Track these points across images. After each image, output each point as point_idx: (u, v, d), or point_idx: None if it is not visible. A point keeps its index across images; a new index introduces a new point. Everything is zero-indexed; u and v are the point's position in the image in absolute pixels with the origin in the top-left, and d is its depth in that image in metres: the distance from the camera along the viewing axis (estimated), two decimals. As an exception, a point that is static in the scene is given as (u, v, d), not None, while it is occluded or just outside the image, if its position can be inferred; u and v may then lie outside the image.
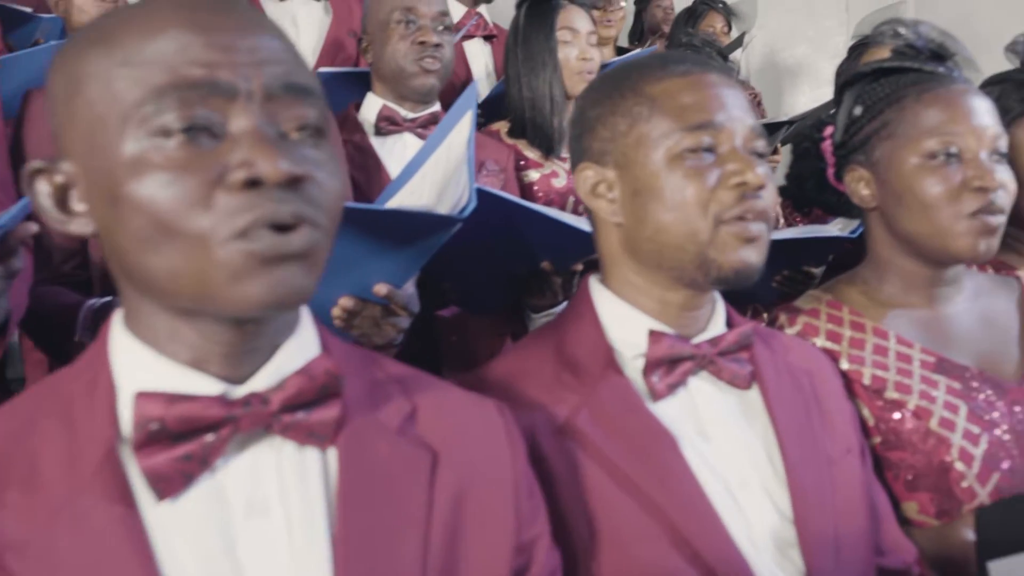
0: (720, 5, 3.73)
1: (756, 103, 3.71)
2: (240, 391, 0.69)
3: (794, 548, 0.93)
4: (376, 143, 1.87)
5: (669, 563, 0.89)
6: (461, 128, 1.30)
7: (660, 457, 0.92)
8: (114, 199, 0.63)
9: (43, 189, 0.68)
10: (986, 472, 1.09)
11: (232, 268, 0.63)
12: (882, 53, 2.62)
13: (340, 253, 1.13)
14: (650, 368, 0.96)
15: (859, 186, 1.23)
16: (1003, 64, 1.55)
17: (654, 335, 0.97)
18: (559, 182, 2.07)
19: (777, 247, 1.71)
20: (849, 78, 1.29)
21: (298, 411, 0.69)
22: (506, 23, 2.47)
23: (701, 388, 0.99)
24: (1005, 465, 1.10)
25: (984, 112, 1.16)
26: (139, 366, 0.69)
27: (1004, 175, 1.15)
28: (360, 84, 2.01)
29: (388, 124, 1.86)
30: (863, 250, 1.30)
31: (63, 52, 0.69)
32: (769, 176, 0.96)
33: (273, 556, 0.68)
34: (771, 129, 2.28)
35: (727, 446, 0.96)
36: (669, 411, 0.96)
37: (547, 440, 0.93)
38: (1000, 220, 1.15)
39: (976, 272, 1.32)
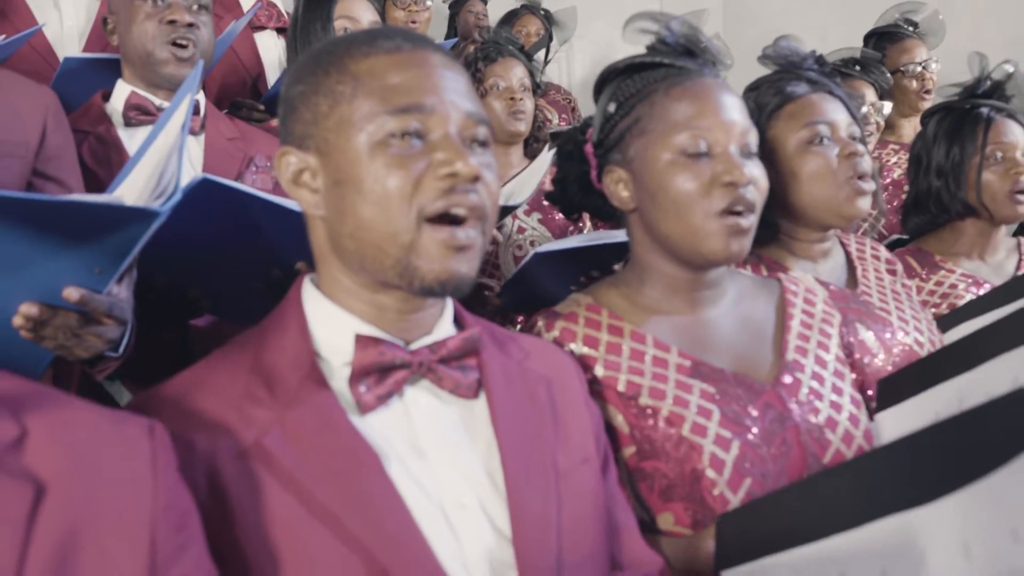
0: (542, 12, 3.73)
1: (571, 108, 3.71)
2: None
3: (512, 570, 0.83)
4: (125, 135, 1.67)
5: None
6: (179, 113, 1.15)
7: (360, 480, 0.80)
8: None
9: None
10: (737, 478, 1.03)
11: None
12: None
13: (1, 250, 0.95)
14: (356, 377, 0.84)
15: (618, 188, 1.17)
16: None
17: (361, 340, 0.85)
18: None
19: (571, 255, 1.65)
20: (604, 74, 1.23)
21: None
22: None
23: (418, 399, 0.88)
24: (757, 470, 1.04)
25: (732, 107, 1.13)
26: None
27: (754, 170, 1.11)
28: (118, 71, 1.81)
29: (138, 114, 1.67)
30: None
31: None
32: (488, 168, 0.86)
33: None
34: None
35: (443, 463, 0.86)
36: (379, 426, 0.85)
37: (228, 466, 0.79)
38: (751, 220, 1.11)
39: (741, 274, 1.28)
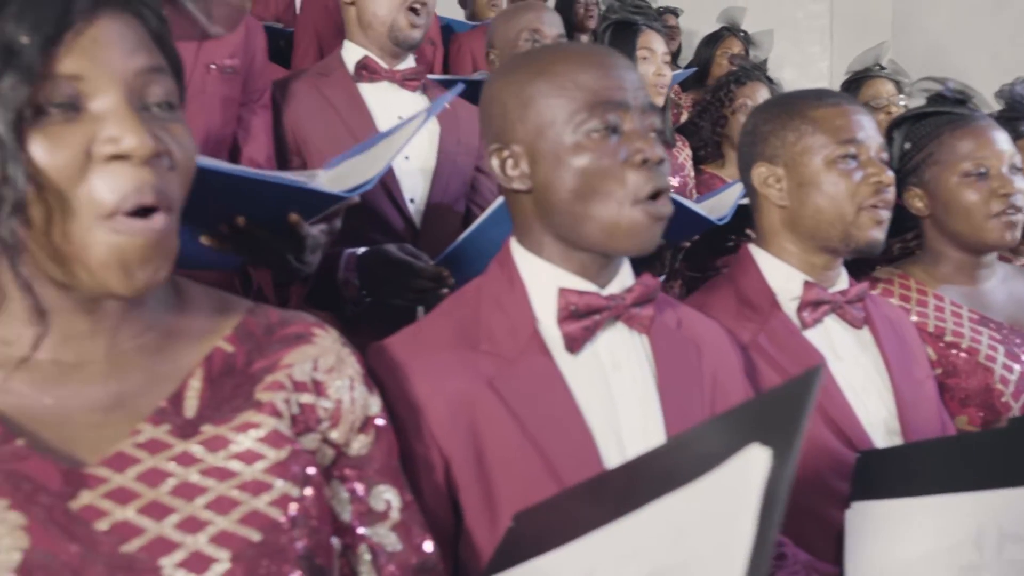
0: (742, 34, 4.17)
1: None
2: (606, 292, 1.08)
3: (897, 435, 1.35)
4: None
5: (823, 436, 1.30)
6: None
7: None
8: (559, 167, 1.02)
9: (495, 161, 1.07)
10: (1018, 392, 1.53)
11: (634, 223, 1.02)
12: (877, 84, 3.07)
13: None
14: (802, 307, 1.37)
15: (915, 201, 1.68)
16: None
17: (808, 284, 1.38)
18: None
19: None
20: (896, 121, 1.75)
21: (635, 308, 1.09)
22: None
23: (832, 325, 1.40)
24: (1031, 388, 1.54)
25: (1002, 139, 1.62)
26: (540, 274, 1.07)
27: (1021, 183, 1.60)
28: None
29: None
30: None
31: (509, 80, 1.07)
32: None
33: (629, 397, 1.06)
34: None
35: (851, 364, 1.38)
36: (814, 339, 1.37)
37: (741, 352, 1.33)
38: (1020, 217, 1.59)
39: (1004, 263, 1.76)
